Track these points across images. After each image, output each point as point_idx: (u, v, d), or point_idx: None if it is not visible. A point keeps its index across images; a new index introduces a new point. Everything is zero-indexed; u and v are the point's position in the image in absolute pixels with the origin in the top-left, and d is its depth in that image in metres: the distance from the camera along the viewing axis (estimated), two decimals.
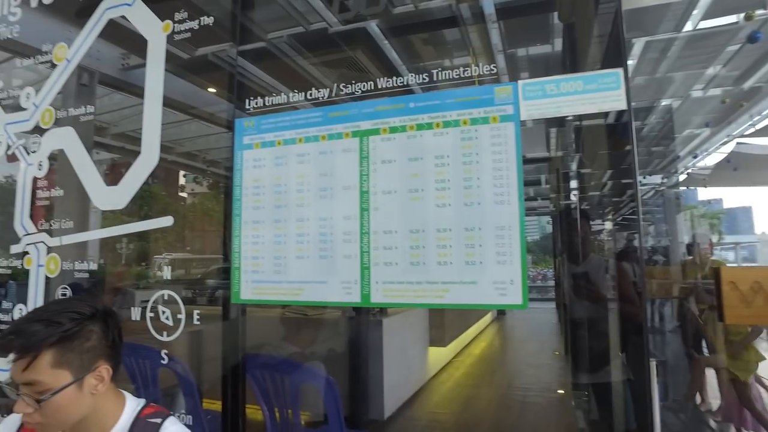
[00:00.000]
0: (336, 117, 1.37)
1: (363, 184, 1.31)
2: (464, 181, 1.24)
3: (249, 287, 1.42)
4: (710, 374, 3.51)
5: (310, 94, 1.41)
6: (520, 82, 1.22)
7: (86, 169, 1.74)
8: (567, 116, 1.18)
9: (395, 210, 1.28)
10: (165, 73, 1.65)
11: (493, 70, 1.26)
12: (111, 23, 1.80)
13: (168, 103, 1.68)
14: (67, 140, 1.79)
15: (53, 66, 1.88)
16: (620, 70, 1.14)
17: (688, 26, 3.77)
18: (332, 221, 1.34)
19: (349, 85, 1.36)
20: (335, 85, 1.38)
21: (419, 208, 1.26)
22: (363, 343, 2.98)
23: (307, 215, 1.37)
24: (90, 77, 2.37)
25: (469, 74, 1.27)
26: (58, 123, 1.83)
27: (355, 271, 1.30)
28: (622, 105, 1.13)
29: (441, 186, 1.25)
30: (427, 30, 2.23)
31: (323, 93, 1.39)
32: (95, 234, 1.71)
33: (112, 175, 1.77)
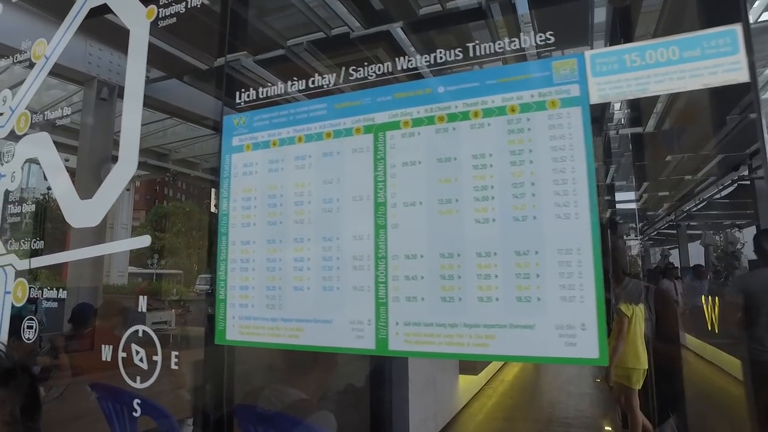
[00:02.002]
0: (344, 108, 1.07)
1: (378, 193, 1.01)
2: (513, 187, 0.92)
3: (236, 325, 1.13)
4: None
5: (312, 82, 1.12)
6: (587, 52, 0.90)
7: (60, 181, 1.50)
8: (656, 95, 0.85)
9: (420, 227, 0.97)
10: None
11: (549, 39, 0.94)
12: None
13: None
14: (42, 147, 1.56)
15: (32, 65, 1.66)
16: (737, 27, 0.80)
17: None
18: (339, 242, 1.04)
19: (360, 69, 1.07)
20: (343, 69, 1.09)
21: (452, 225, 0.95)
22: (386, 373, 2.64)
23: (307, 234, 1.07)
24: (110, 91, 2.18)
25: (519, 46, 0.96)
26: (33, 128, 1.61)
27: (368, 309, 0.99)
28: (743, 76, 0.79)
29: (482, 195, 0.93)
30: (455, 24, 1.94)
31: (328, 80, 1.10)
32: (65, 256, 1.46)
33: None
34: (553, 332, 0.86)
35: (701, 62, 0.82)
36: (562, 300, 0.86)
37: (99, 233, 1.52)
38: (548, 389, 4.95)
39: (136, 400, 1.28)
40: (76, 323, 1.70)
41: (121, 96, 2.36)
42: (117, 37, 1.69)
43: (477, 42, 0.99)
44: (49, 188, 1.55)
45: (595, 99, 0.89)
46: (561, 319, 0.86)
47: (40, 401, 0.74)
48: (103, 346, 1.33)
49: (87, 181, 1.66)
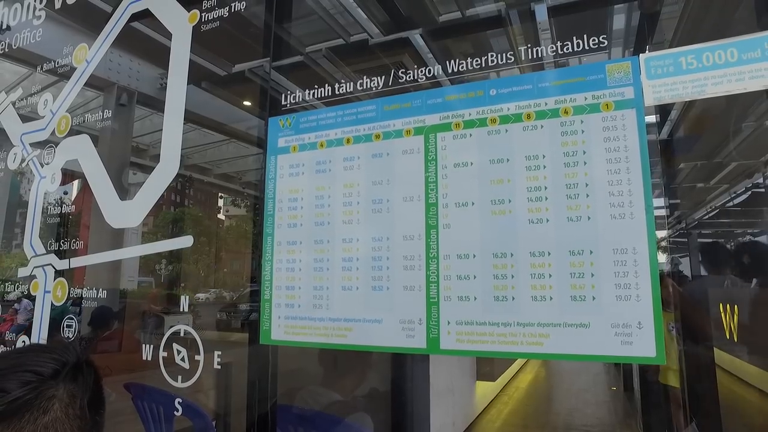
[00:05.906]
0: (394, 110, 1.09)
1: (429, 194, 1.02)
2: (567, 188, 0.92)
3: (282, 325, 1.14)
4: None
5: (360, 84, 1.14)
6: (642, 56, 0.91)
7: (100, 182, 1.52)
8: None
9: (473, 227, 0.98)
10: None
11: (603, 43, 0.96)
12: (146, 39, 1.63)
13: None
14: (82, 149, 1.58)
15: (73, 70, 1.69)
16: None
17: None
18: (388, 242, 1.05)
19: (410, 71, 1.09)
20: (392, 71, 1.11)
21: (505, 225, 0.95)
22: (408, 379, 2.64)
23: (356, 234, 1.09)
24: (129, 97, 2.22)
25: (571, 49, 0.97)
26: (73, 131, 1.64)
27: (419, 308, 0.99)
28: None
29: (535, 196, 0.94)
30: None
31: (376, 82, 1.12)
32: (106, 256, 1.48)
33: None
34: (609, 331, 0.86)
35: (762, 63, 0.83)
36: (617, 299, 0.86)
37: (117, 236, 1.54)
38: (564, 397, 4.91)
39: (178, 400, 1.29)
40: (95, 326, 1.70)
41: (139, 102, 2.40)
42: (138, 44, 1.73)
43: (529, 45, 1.01)
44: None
45: (650, 101, 0.90)
46: (617, 317, 0.86)
47: (104, 396, 0.75)
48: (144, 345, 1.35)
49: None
